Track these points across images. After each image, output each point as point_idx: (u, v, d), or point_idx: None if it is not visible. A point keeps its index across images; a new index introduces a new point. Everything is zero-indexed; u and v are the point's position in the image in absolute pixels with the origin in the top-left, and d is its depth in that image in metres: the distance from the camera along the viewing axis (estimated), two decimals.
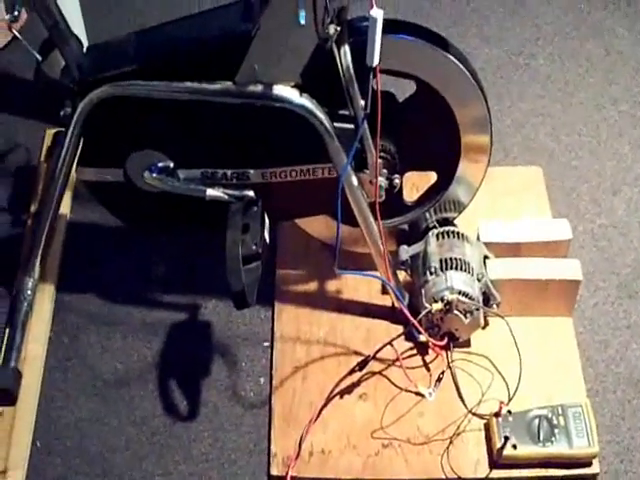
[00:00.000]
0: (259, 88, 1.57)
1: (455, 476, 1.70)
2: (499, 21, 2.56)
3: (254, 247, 1.61)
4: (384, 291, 1.90)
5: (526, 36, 2.52)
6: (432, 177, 1.89)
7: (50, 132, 2.19)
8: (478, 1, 2.58)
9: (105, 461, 1.77)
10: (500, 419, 1.71)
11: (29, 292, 1.87)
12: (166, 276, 2.02)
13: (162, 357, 1.89)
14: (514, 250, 1.87)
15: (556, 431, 1.70)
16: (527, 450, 1.69)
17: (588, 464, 1.71)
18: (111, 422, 1.82)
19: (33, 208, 2.07)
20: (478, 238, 1.88)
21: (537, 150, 2.25)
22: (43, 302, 1.94)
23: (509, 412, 1.72)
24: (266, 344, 1.90)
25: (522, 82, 2.41)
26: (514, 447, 1.68)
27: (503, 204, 2.07)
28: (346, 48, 1.55)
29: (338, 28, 1.51)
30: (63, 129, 1.69)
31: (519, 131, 2.30)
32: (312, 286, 1.96)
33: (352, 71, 1.56)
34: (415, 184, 1.98)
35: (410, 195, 1.93)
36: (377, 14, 1.44)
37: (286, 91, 1.58)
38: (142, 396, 1.85)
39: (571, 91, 2.39)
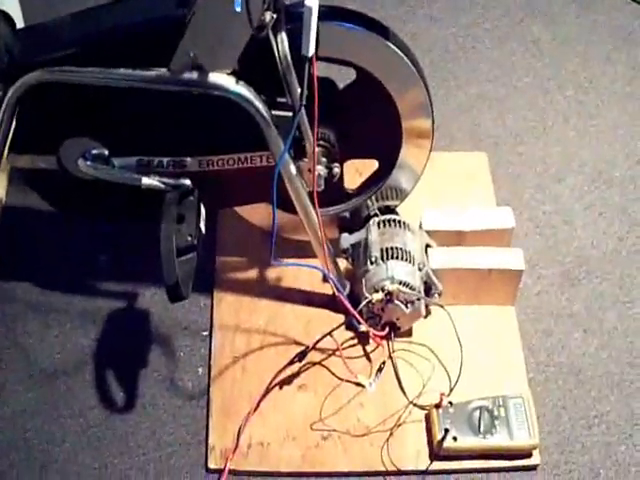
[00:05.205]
0: (194, 75, 1.53)
1: (395, 468, 1.69)
2: (447, 3, 2.54)
3: (189, 238, 1.59)
4: (325, 279, 1.88)
5: (474, 18, 2.51)
6: (375, 164, 1.87)
7: None
8: None
9: (43, 454, 1.74)
10: (441, 410, 1.70)
11: None
12: (104, 264, 1.99)
13: (99, 347, 1.86)
14: (457, 239, 1.86)
15: (496, 422, 1.69)
16: (467, 442, 1.68)
17: (528, 455, 1.71)
18: (48, 414, 1.78)
19: None
20: (420, 226, 1.86)
21: (483, 135, 2.24)
22: None
23: (450, 403, 1.71)
24: (205, 333, 1.88)
25: (469, 65, 2.40)
26: (454, 439, 1.67)
27: (447, 191, 2.05)
28: (283, 36, 1.52)
29: (274, 15, 1.48)
30: None
31: (465, 116, 2.28)
32: (252, 274, 1.94)
33: (289, 59, 1.53)
34: (358, 170, 1.95)
35: (354, 181, 1.91)
36: (312, 3, 1.41)
37: (222, 79, 1.54)
38: (79, 387, 1.81)
39: (518, 75, 2.38)
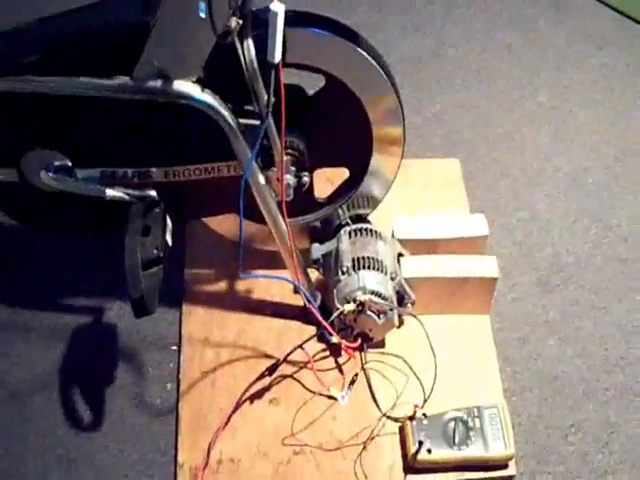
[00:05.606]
0: (158, 84, 1.49)
1: None
2: (421, 11, 2.52)
3: (155, 251, 1.55)
4: (297, 290, 1.84)
5: (448, 26, 2.48)
6: (346, 172, 1.84)
7: None
8: None
9: (9, 474, 1.69)
10: (414, 423, 1.67)
11: None
12: (69, 279, 1.94)
13: (66, 364, 1.82)
14: (430, 247, 1.83)
15: (472, 434, 1.66)
16: (442, 454, 1.65)
17: (504, 466, 1.68)
18: (12, 433, 1.74)
19: None
20: (393, 235, 1.83)
21: (457, 142, 2.22)
22: None
23: (424, 415, 1.67)
24: (173, 348, 1.84)
25: (443, 73, 2.38)
26: (429, 451, 1.64)
27: (419, 198, 2.03)
28: (249, 42, 1.48)
29: (240, 21, 1.44)
30: None
31: (439, 123, 2.26)
32: (222, 286, 1.90)
33: (256, 66, 1.49)
34: (330, 179, 1.92)
35: (325, 190, 1.88)
36: (278, 8, 1.38)
37: (187, 87, 1.50)
38: (45, 406, 1.77)
39: (492, 82, 2.36)
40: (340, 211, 1.83)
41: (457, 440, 1.65)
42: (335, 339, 1.73)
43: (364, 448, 1.69)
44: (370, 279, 1.71)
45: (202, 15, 1.40)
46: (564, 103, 2.31)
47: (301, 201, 1.74)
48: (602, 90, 2.34)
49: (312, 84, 1.69)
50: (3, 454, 1.72)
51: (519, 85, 2.35)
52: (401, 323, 1.79)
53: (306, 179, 1.71)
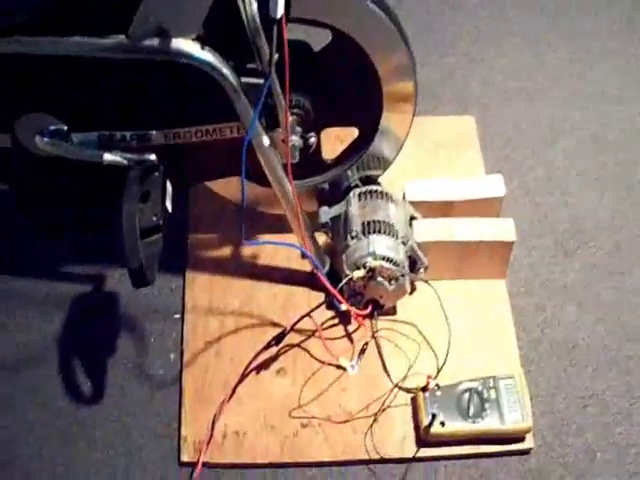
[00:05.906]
0: (155, 42, 1.42)
1: (379, 456, 1.61)
2: None
3: (154, 218, 1.49)
4: (304, 256, 1.78)
5: None
6: (355, 131, 1.77)
7: None
8: None
9: (6, 451, 1.65)
10: (427, 394, 1.61)
11: None
12: (68, 246, 1.87)
13: (65, 334, 1.76)
14: (444, 209, 1.77)
15: (487, 405, 1.60)
16: (456, 427, 1.59)
17: (521, 439, 1.63)
18: (10, 406, 1.69)
19: None
20: (404, 197, 1.76)
21: (470, 98, 2.15)
22: None
23: (437, 386, 1.62)
24: (177, 316, 1.78)
25: (455, 25, 2.30)
26: (442, 424, 1.59)
27: (432, 158, 1.97)
28: None
29: None
30: None
31: (451, 79, 2.20)
32: (226, 252, 1.84)
33: (258, 21, 1.42)
34: (338, 138, 1.85)
35: (334, 150, 1.81)
36: None
37: (186, 45, 1.43)
38: (44, 377, 1.72)
39: (507, 34, 2.29)
40: (349, 172, 1.77)
41: (472, 412, 1.60)
42: (344, 307, 1.66)
43: (375, 420, 1.63)
44: (381, 244, 1.64)
45: None
46: (582, 56, 2.24)
47: (308, 163, 1.67)
48: (624, 41, 2.26)
49: (318, 40, 1.61)
50: (1, 427, 1.67)
51: (535, 37, 2.27)
52: (413, 289, 1.74)
53: (313, 140, 1.65)
